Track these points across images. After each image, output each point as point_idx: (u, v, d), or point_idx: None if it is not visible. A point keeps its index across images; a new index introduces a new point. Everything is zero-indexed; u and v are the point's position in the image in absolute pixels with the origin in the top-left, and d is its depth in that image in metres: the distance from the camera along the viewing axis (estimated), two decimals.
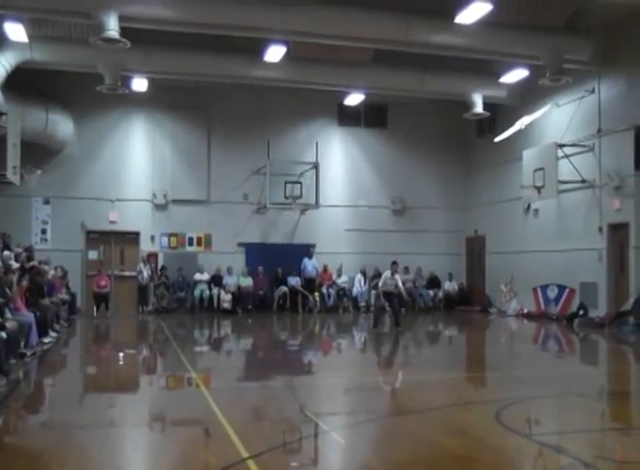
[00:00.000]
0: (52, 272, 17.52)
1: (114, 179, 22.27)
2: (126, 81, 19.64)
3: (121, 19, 14.65)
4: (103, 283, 21.20)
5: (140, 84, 20.34)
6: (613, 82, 18.36)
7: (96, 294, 21.06)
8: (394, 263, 17.02)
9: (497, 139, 21.32)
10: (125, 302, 22.05)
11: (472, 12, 14.94)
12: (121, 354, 14.01)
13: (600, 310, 18.27)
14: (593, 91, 18.88)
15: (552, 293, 20.42)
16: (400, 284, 16.88)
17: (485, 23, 15.62)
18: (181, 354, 12.80)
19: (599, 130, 18.65)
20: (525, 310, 21.32)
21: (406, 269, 23.81)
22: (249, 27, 15.96)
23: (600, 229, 18.56)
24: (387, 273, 16.95)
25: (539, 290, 20.94)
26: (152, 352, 14.76)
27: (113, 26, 14.51)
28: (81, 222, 21.88)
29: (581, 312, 18.53)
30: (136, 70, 19.12)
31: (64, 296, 18.02)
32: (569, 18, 17.17)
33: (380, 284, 16.97)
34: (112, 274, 22.12)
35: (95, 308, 20.95)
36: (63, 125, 21.04)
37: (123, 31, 14.77)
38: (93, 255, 22.24)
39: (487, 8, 14.72)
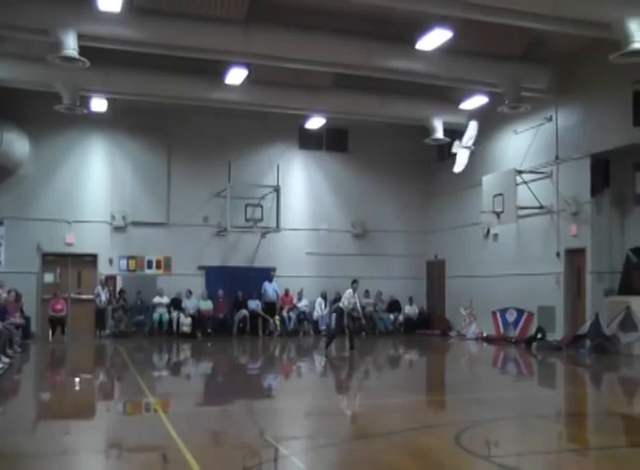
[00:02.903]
0: (4, 295, 17.15)
1: (72, 200, 21.99)
2: (85, 101, 19.42)
3: (81, 37, 14.52)
4: (59, 306, 20.84)
5: (99, 104, 20.10)
6: (570, 111, 18.72)
7: (52, 318, 20.69)
8: (355, 281, 16.99)
9: (456, 170, 21.15)
10: (82, 326, 21.67)
11: (432, 39, 15.15)
12: (77, 380, 13.75)
13: (557, 334, 18.50)
14: (551, 119, 19.23)
15: (511, 316, 20.61)
16: (359, 305, 16.90)
17: (446, 49, 15.84)
18: (139, 379, 12.59)
19: (556, 157, 18.98)
20: (485, 334, 21.46)
21: (367, 293, 23.85)
22: (210, 50, 15.95)
23: (557, 254, 18.84)
24: (349, 292, 16.96)
25: (498, 313, 21.10)
26: (109, 378, 14.49)
27: (71, 45, 14.36)
28: (37, 244, 21.52)
29: (539, 336, 18.74)
30: (95, 90, 18.89)
31: (17, 320, 17.61)
32: (527, 47, 17.49)
33: (345, 303, 16.93)
34: (68, 297, 21.77)
35: (51, 333, 20.57)
36: (18, 145, 20.74)
37: (83, 50, 14.65)
38: (49, 277, 21.88)
39: (447, 35, 14.95)
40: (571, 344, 17.57)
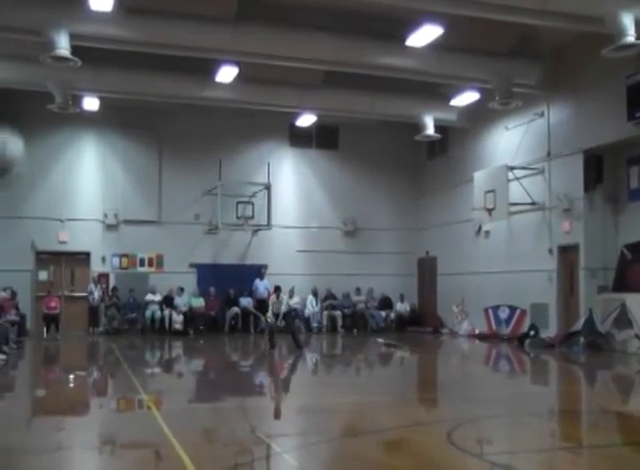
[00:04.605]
0: (1, 293, 17.17)
1: (65, 199, 21.98)
2: (77, 100, 19.42)
3: (72, 37, 14.51)
4: (53, 304, 20.82)
5: (91, 103, 20.11)
6: (561, 106, 18.71)
7: (46, 315, 20.67)
8: (277, 289, 17.37)
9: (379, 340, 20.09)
10: (76, 323, 21.65)
11: (422, 35, 15.17)
12: (71, 377, 13.72)
13: (550, 331, 18.51)
14: (542, 115, 19.23)
15: (503, 314, 20.64)
16: (284, 307, 17.02)
17: (436, 46, 15.86)
18: (132, 376, 12.58)
19: (548, 153, 18.98)
20: (477, 331, 21.49)
21: (358, 290, 23.89)
22: (201, 48, 15.95)
23: (550, 251, 18.85)
24: (272, 298, 17.31)
25: (490, 311, 21.13)
26: (102, 374, 14.49)
27: (63, 45, 14.36)
28: (31, 242, 21.49)
29: (532, 333, 18.68)
30: (87, 88, 18.90)
31: (13, 317, 17.68)
32: (518, 43, 17.48)
33: (274, 309, 17.08)
34: (62, 295, 21.76)
35: (45, 330, 20.56)
36: (12, 144, 20.73)
37: (74, 50, 14.63)
38: (43, 275, 21.91)
39: (438, 32, 14.97)
40: (564, 341, 17.61)
